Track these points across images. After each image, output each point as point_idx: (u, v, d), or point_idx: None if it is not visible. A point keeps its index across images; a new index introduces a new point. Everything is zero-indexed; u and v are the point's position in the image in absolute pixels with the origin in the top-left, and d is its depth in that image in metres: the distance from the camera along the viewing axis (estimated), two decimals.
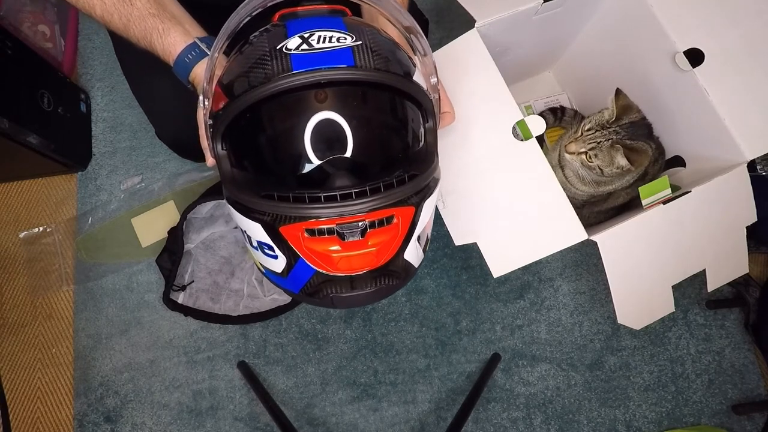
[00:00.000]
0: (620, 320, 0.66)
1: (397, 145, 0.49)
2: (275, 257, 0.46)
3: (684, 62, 0.71)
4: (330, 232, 0.42)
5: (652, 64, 0.78)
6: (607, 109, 0.76)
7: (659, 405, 1.01)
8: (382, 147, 0.48)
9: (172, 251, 1.02)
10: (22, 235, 1.09)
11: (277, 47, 0.42)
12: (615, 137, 0.74)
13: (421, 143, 0.50)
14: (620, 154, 0.71)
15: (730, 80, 0.70)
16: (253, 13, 0.44)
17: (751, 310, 1.02)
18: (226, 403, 1.00)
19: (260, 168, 0.48)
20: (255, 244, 0.47)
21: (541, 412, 1.00)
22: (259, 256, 0.49)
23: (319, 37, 0.42)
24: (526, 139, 0.62)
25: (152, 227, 1.08)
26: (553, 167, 0.63)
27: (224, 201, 0.49)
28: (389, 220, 0.44)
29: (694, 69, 0.70)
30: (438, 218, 0.67)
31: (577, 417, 1.00)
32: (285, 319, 1.04)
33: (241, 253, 1.05)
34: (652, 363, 1.03)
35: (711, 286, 0.70)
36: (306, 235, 0.43)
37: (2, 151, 0.94)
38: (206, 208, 1.03)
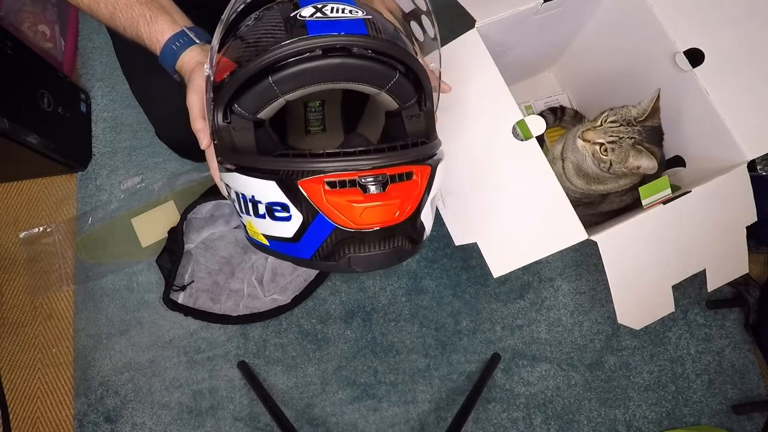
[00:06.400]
0: (620, 320, 0.66)
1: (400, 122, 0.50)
2: (288, 218, 0.45)
3: (684, 62, 0.71)
4: (352, 183, 0.42)
5: (652, 64, 0.78)
6: (634, 106, 0.76)
7: (659, 405, 1.01)
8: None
9: (172, 251, 1.02)
10: (22, 235, 1.09)
11: (291, 15, 0.43)
12: (638, 137, 0.73)
13: (415, 129, 0.51)
14: (643, 155, 0.71)
15: (731, 80, 0.70)
16: None
17: (751, 310, 1.02)
18: (226, 403, 1.00)
19: (275, 132, 0.48)
20: (262, 211, 0.46)
21: (541, 412, 1.00)
22: (266, 225, 0.47)
23: (333, 8, 0.43)
24: (526, 139, 0.62)
25: (152, 227, 1.08)
26: (550, 161, 0.63)
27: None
28: (409, 176, 0.44)
29: (694, 69, 0.70)
30: (438, 218, 0.67)
31: (577, 417, 1.00)
32: (285, 319, 1.04)
33: (241, 253, 1.05)
34: (652, 363, 1.03)
35: (711, 286, 0.70)
36: (327, 187, 0.42)
37: (2, 151, 0.94)
38: (206, 208, 1.03)
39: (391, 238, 0.45)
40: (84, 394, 1.01)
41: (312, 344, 1.03)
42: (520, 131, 0.63)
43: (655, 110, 0.74)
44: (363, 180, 0.42)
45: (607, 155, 0.74)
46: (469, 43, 0.67)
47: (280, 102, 0.46)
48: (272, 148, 0.47)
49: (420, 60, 0.47)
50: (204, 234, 1.05)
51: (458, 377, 1.01)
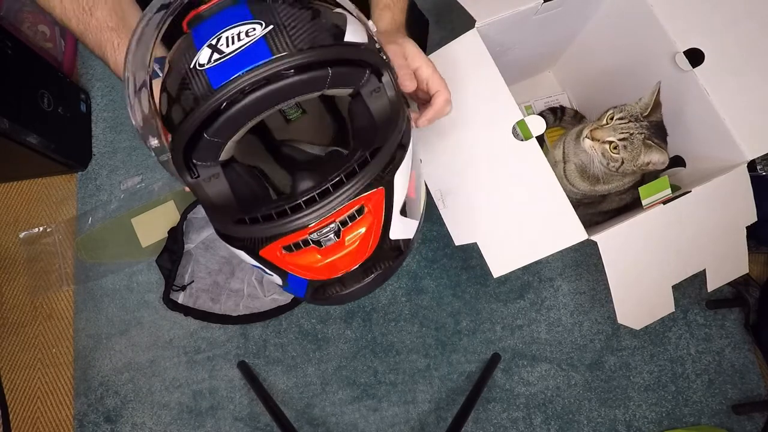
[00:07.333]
0: (620, 320, 0.66)
1: (348, 121, 0.47)
2: (271, 274, 0.46)
3: (684, 62, 0.71)
4: (306, 243, 0.41)
5: (652, 64, 0.78)
6: (636, 102, 0.75)
7: (659, 405, 1.01)
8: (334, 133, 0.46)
9: (172, 251, 1.02)
10: (22, 235, 1.09)
11: (191, 66, 0.39)
12: (647, 132, 0.73)
13: (379, 105, 0.46)
14: (653, 150, 0.71)
15: (731, 80, 0.70)
16: (160, 27, 0.41)
17: (751, 310, 1.02)
18: (226, 403, 1.00)
19: (257, 134, 0.46)
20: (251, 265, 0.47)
21: (541, 412, 1.00)
22: (262, 274, 0.49)
23: (227, 39, 0.38)
24: (526, 139, 0.62)
25: (152, 227, 1.08)
26: (551, 163, 0.63)
27: None
28: (360, 211, 0.42)
29: (694, 69, 0.70)
30: (438, 218, 0.67)
31: (577, 417, 1.00)
32: (285, 319, 1.04)
33: None
34: (652, 363, 1.03)
35: (711, 286, 0.70)
36: (284, 252, 0.42)
37: (2, 151, 0.94)
38: None
39: (368, 270, 0.45)
40: (84, 394, 1.01)
41: (312, 344, 1.03)
42: (520, 131, 0.63)
43: (657, 105, 0.74)
44: (313, 238, 0.41)
45: (618, 153, 0.73)
46: (469, 43, 0.66)
47: (230, 145, 0.43)
48: (248, 192, 0.45)
49: (355, 33, 0.43)
50: (204, 234, 1.05)
51: (458, 377, 1.01)
